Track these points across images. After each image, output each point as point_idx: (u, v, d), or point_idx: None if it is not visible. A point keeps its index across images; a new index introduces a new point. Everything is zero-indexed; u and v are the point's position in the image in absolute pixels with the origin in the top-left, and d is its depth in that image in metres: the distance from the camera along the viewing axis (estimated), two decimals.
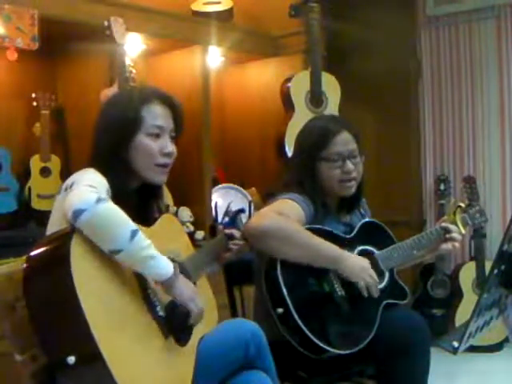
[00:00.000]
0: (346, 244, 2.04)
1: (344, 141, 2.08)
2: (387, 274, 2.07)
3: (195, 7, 3.48)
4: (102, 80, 2.91)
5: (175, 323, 1.62)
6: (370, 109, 3.97)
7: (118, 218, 1.48)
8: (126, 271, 1.54)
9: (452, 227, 2.11)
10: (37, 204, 2.91)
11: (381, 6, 3.91)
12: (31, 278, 1.43)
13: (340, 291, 1.96)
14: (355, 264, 1.96)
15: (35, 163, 2.95)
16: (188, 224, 3.16)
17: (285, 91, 3.47)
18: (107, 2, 2.79)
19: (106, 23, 2.65)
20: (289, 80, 3.45)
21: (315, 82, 3.40)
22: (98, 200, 1.44)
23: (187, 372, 1.63)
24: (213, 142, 3.32)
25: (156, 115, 1.73)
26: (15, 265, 1.54)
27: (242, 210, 2.15)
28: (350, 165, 2.07)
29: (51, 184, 2.93)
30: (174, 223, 1.92)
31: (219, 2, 3.51)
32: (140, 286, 1.57)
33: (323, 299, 1.95)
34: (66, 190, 1.55)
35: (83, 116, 2.87)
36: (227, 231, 2.04)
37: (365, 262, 1.99)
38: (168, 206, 2.75)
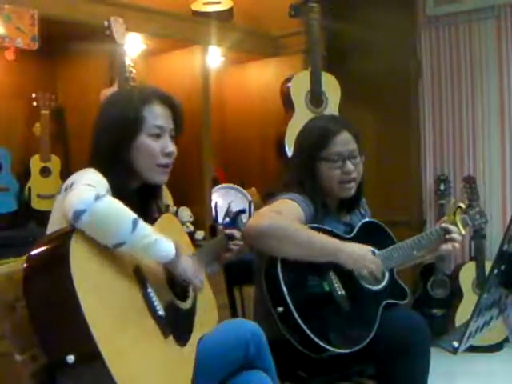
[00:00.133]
0: None
1: (344, 141, 2.08)
2: (387, 274, 2.07)
3: (195, 7, 3.48)
4: (101, 80, 2.91)
5: (175, 323, 1.62)
6: (370, 109, 3.97)
7: (118, 211, 1.49)
8: (126, 270, 1.54)
9: (452, 228, 2.11)
10: (37, 204, 2.91)
11: (381, 6, 3.91)
12: (31, 278, 1.43)
13: (340, 290, 1.96)
14: (355, 252, 1.97)
15: (35, 163, 2.95)
16: (188, 224, 3.16)
17: (285, 91, 3.47)
18: (107, 1, 2.79)
19: (106, 23, 2.65)
20: (289, 80, 3.45)
21: (315, 82, 3.40)
22: (97, 197, 1.45)
23: (187, 372, 1.63)
24: (213, 142, 3.32)
25: (157, 115, 1.73)
26: (15, 265, 1.54)
27: (242, 211, 2.16)
28: (349, 165, 2.07)
29: (51, 184, 2.93)
30: (174, 223, 1.92)
31: (219, 2, 3.51)
32: (140, 285, 1.57)
33: (323, 298, 1.95)
34: (65, 189, 1.55)
35: (83, 116, 2.87)
36: (227, 231, 2.04)
37: (364, 250, 2.00)
38: (168, 206, 2.75)
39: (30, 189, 2.92)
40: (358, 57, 4.00)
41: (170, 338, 1.60)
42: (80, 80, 3.04)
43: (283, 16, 3.48)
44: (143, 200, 1.80)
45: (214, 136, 3.40)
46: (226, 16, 3.52)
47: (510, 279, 1.70)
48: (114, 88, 2.69)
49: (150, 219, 1.77)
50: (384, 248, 2.08)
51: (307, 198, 2.05)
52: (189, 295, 1.75)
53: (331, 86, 3.47)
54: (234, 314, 2.25)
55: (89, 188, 1.48)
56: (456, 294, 3.77)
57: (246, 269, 2.15)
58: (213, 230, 3.13)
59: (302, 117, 3.22)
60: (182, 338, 1.65)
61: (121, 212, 1.49)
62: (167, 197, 2.85)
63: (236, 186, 3.54)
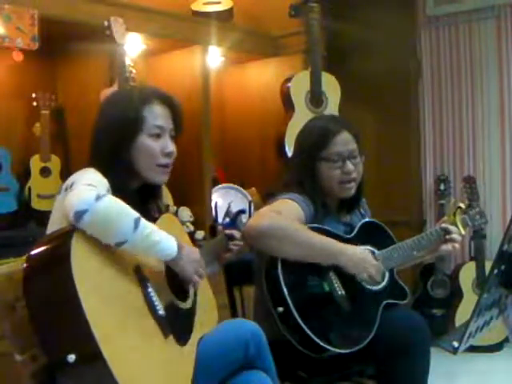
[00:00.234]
0: (346, 244, 2.03)
1: (344, 141, 2.08)
2: (387, 274, 2.07)
3: (195, 7, 3.48)
4: (102, 80, 2.91)
5: (175, 323, 1.62)
6: (370, 109, 3.98)
7: (119, 210, 1.49)
8: (127, 269, 1.54)
9: (452, 228, 2.11)
10: (37, 204, 2.91)
11: (381, 6, 3.91)
12: (31, 277, 1.43)
13: (340, 291, 1.96)
14: (356, 255, 1.97)
15: (35, 163, 2.95)
16: (188, 224, 3.16)
17: (285, 91, 3.47)
18: (107, 1, 2.79)
19: (106, 23, 2.65)
20: (289, 80, 3.45)
21: (315, 82, 3.40)
22: (98, 197, 1.45)
23: (187, 372, 1.63)
24: (213, 142, 3.32)
25: (156, 115, 1.73)
26: (15, 265, 1.54)
27: (242, 211, 2.16)
28: (350, 165, 2.07)
29: (51, 184, 2.93)
30: (174, 223, 1.92)
31: (219, 2, 3.51)
32: (140, 284, 1.57)
33: (323, 298, 1.95)
34: (66, 189, 1.55)
35: (83, 116, 2.87)
36: (227, 232, 2.04)
37: (365, 253, 2.00)
38: (168, 206, 2.75)
39: (29, 189, 2.92)
40: (358, 57, 4.01)
41: (170, 337, 1.60)
42: (80, 80, 3.04)
43: (283, 16, 3.48)
44: (143, 200, 1.81)
45: (214, 136, 3.40)
46: (226, 16, 3.52)
47: (510, 279, 1.70)
48: (114, 88, 2.69)
49: (150, 219, 1.77)
50: (384, 248, 2.08)
51: (307, 198, 2.05)
52: (189, 295, 1.75)
53: (331, 86, 3.47)
54: (233, 314, 2.25)
55: (89, 188, 1.48)
56: (456, 294, 3.77)
57: (246, 269, 2.15)
58: (213, 230, 3.13)
59: (302, 117, 3.22)
60: (182, 337, 1.65)
61: (122, 211, 1.49)
62: (167, 197, 2.85)
63: (236, 186, 3.54)
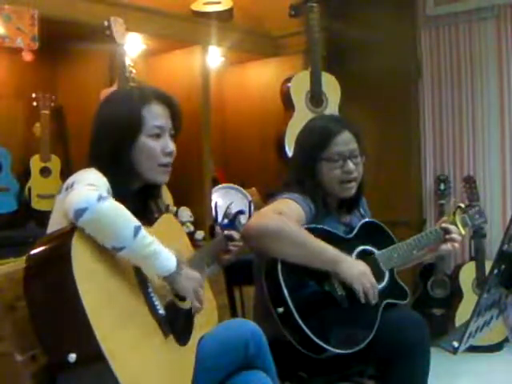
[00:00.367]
0: (346, 244, 2.04)
1: (345, 141, 2.08)
2: (387, 274, 2.07)
3: (195, 7, 3.48)
4: (101, 80, 2.92)
5: (175, 322, 1.62)
6: (370, 109, 3.97)
7: (121, 214, 1.48)
8: (127, 269, 1.54)
9: (452, 228, 2.11)
10: (37, 204, 2.91)
11: (381, 6, 3.91)
12: (32, 277, 1.43)
13: (340, 291, 1.96)
14: (354, 267, 1.94)
15: (35, 163, 2.95)
16: (188, 224, 3.16)
17: (285, 91, 3.47)
18: (107, 1, 2.79)
19: (105, 23, 2.65)
20: (289, 80, 3.46)
21: (315, 82, 3.40)
22: (100, 198, 1.44)
23: (187, 372, 1.63)
24: (213, 142, 3.32)
25: (156, 115, 1.73)
26: (15, 265, 1.54)
27: (241, 212, 2.16)
28: (350, 165, 2.07)
29: (51, 184, 2.93)
30: (174, 223, 1.92)
31: (219, 2, 3.51)
32: (140, 284, 1.57)
33: (324, 299, 1.95)
34: (66, 189, 1.55)
35: (83, 116, 2.85)
36: (227, 232, 2.04)
37: (364, 267, 1.97)
38: (168, 206, 2.75)
39: (29, 189, 2.92)
40: (358, 57, 4.00)
41: (171, 337, 1.60)
42: (80, 80, 3.04)
43: (283, 16, 3.48)
44: (143, 200, 1.80)
45: (214, 136, 3.40)
46: (225, 16, 3.53)
47: (510, 279, 1.70)
48: (114, 88, 2.69)
49: (151, 219, 1.77)
50: (384, 248, 2.08)
51: (307, 198, 2.05)
52: None
53: (331, 86, 3.47)
54: (233, 314, 2.25)
55: (91, 188, 1.48)
56: (456, 294, 3.77)
57: (246, 269, 2.15)
58: (213, 230, 3.13)
59: (302, 117, 3.22)
60: (182, 337, 1.65)
61: (123, 216, 1.48)
62: (167, 197, 2.85)
63: (236, 186, 3.54)
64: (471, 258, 3.79)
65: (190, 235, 3.03)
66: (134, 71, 2.81)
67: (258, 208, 2.35)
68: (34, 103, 2.95)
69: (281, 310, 1.88)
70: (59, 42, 2.87)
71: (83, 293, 1.36)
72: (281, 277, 1.89)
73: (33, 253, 1.46)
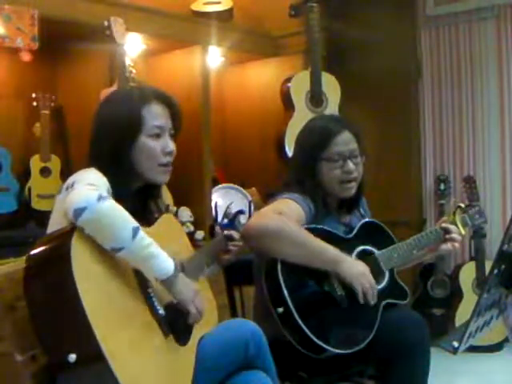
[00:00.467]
0: (346, 244, 2.04)
1: (345, 141, 2.08)
2: (387, 274, 2.07)
3: (195, 7, 3.48)
4: (101, 80, 2.92)
5: (175, 322, 1.62)
6: (370, 109, 3.97)
7: (120, 215, 1.48)
8: (127, 270, 1.54)
9: (452, 228, 2.11)
10: (37, 204, 2.91)
11: (381, 6, 3.91)
12: (32, 277, 1.43)
13: (340, 291, 1.96)
14: (353, 268, 1.95)
15: (35, 163, 2.95)
16: (188, 224, 3.16)
17: (285, 91, 3.47)
18: (107, 1, 2.79)
19: (105, 23, 2.65)
20: (289, 80, 3.46)
21: (315, 82, 3.40)
22: (99, 198, 1.44)
23: (187, 371, 1.63)
24: (213, 142, 3.32)
25: (156, 115, 1.73)
26: (15, 265, 1.54)
27: (241, 212, 2.16)
28: (350, 164, 2.07)
29: (51, 184, 2.93)
30: (174, 224, 1.92)
31: (219, 2, 3.51)
32: (140, 284, 1.57)
33: (323, 299, 1.95)
34: (66, 189, 1.55)
35: (83, 116, 2.84)
36: (226, 232, 2.04)
37: (363, 267, 1.97)
38: (168, 206, 2.75)
39: (29, 189, 2.92)
40: (358, 57, 4.00)
41: (170, 337, 1.60)
42: (80, 80, 3.04)
43: (283, 16, 3.48)
44: (143, 200, 1.80)
45: (214, 136, 3.40)
46: (226, 16, 3.53)
47: (510, 279, 1.70)
48: (114, 88, 2.69)
49: (150, 219, 1.77)
50: (384, 248, 2.08)
51: (308, 198, 2.05)
52: None
53: (331, 86, 3.47)
54: (233, 314, 2.25)
55: (91, 188, 1.48)
56: (456, 294, 3.77)
57: (246, 269, 2.15)
58: (213, 230, 3.13)
59: (302, 117, 3.22)
60: (182, 337, 1.65)
61: (122, 217, 1.48)
62: (167, 197, 2.85)
63: (236, 186, 3.54)
64: (471, 258, 3.79)
65: (190, 235, 3.03)
66: (134, 71, 2.81)
67: (257, 208, 2.35)
68: (34, 103, 2.95)
69: (280, 309, 1.87)
70: (59, 41, 2.87)
71: (83, 293, 1.36)
72: (281, 277, 1.89)
73: (33, 253, 1.46)
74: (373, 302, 1.95)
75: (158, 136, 1.73)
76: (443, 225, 2.13)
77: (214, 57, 3.52)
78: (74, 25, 2.70)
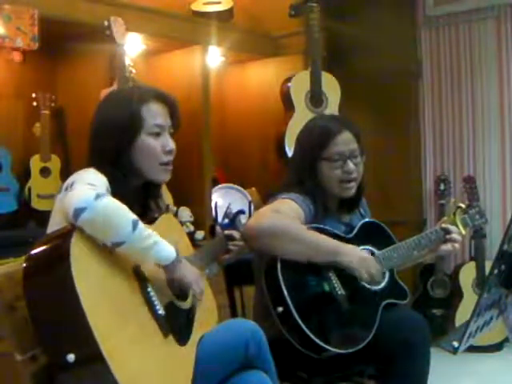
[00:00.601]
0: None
1: (345, 140, 2.08)
2: (387, 274, 2.07)
3: (195, 7, 3.48)
4: (101, 80, 2.91)
5: (175, 322, 1.62)
6: (370, 109, 3.97)
7: (118, 210, 1.49)
8: (127, 270, 1.54)
9: (452, 228, 2.11)
10: (37, 204, 2.91)
11: (381, 6, 3.91)
12: (31, 277, 1.43)
13: (340, 290, 1.96)
14: (355, 255, 1.96)
15: (35, 163, 2.95)
16: (188, 224, 3.16)
17: (285, 91, 3.47)
18: (107, 1, 2.79)
19: (106, 23, 2.65)
20: (289, 80, 3.45)
21: (315, 82, 3.40)
22: (97, 196, 1.45)
23: (187, 371, 1.63)
24: (213, 142, 3.32)
25: (155, 114, 1.73)
26: (15, 265, 1.54)
27: (241, 212, 2.16)
28: (350, 164, 2.07)
29: (51, 184, 2.93)
30: (174, 223, 1.92)
31: (219, 2, 3.51)
32: (140, 284, 1.57)
33: (323, 298, 1.95)
34: (66, 189, 1.55)
35: (83, 116, 2.83)
36: (227, 232, 2.04)
37: (364, 253, 2.00)
38: (168, 206, 2.75)
39: (29, 189, 2.92)
40: (358, 57, 4.00)
41: (170, 337, 1.60)
42: (80, 80, 3.04)
43: (283, 16, 3.48)
44: (144, 199, 1.81)
45: (214, 136, 3.39)
46: (226, 16, 3.53)
47: (510, 279, 1.70)
48: (114, 88, 2.69)
49: (150, 219, 1.77)
50: (384, 248, 2.08)
51: (307, 198, 2.05)
52: (189, 295, 1.75)
53: (331, 86, 3.47)
54: (233, 314, 2.25)
55: (89, 187, 1.49)
56: (456, 294, 3.77)
57: (246, 269, 2.15)
58: (213, 230, 3.13)
59: (302, 117, 3.22)
60: (182, 337, 1.65)
61: (121, 212, 1.49)
62: (167, 197, 2.85)
63: (236, 186, 3.54)
64: (471, 258, 3.79)
65: (190, 235, 3.03)
66: (133, 71, 2.81)
67: (257, 208, 2.34)
68: (34, 103, 2.95)
69: (280, 309, 1.88)
70: (59, 41, 2.87)
71: (82, 293, 1.36)
72: (280, 276, 1.89)
73: (32, 253, 1.46)
74: (379, 279, 1.99)
75: (157, 135, 1.73)
76: (443, 225, 2.13)
77: (214, 57, 3.52)
78: (74, 25, 2.70)
